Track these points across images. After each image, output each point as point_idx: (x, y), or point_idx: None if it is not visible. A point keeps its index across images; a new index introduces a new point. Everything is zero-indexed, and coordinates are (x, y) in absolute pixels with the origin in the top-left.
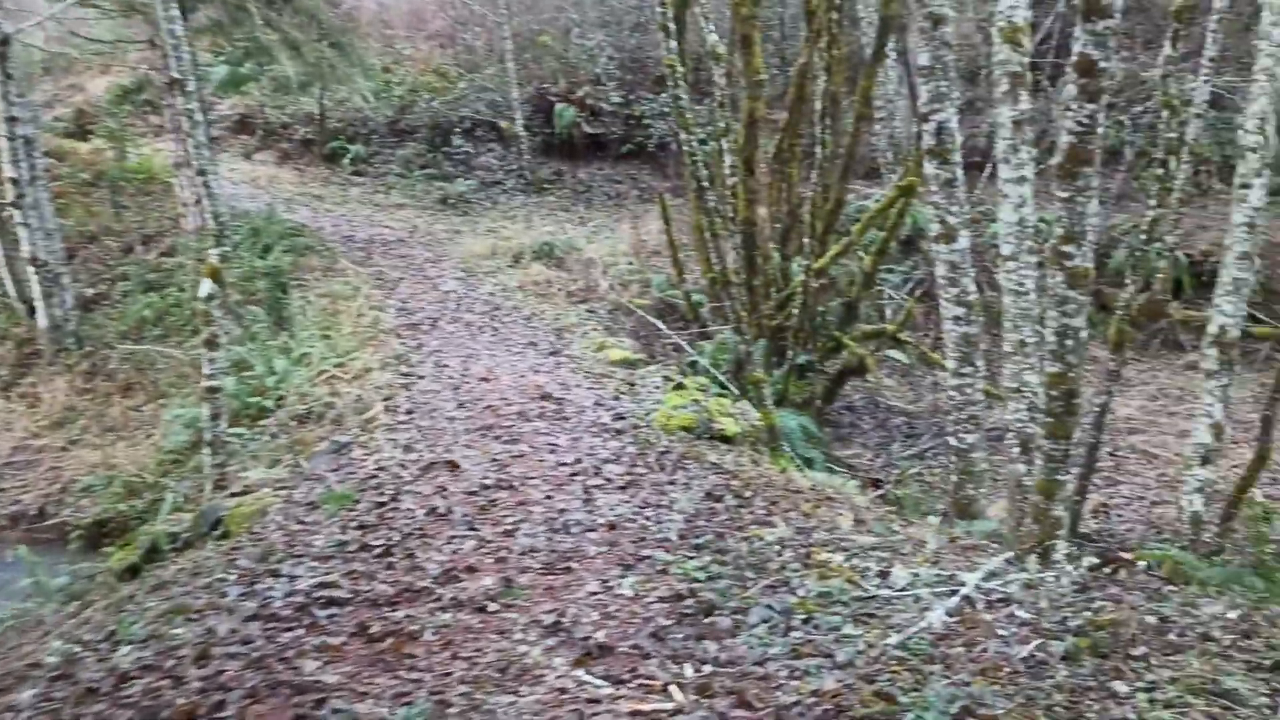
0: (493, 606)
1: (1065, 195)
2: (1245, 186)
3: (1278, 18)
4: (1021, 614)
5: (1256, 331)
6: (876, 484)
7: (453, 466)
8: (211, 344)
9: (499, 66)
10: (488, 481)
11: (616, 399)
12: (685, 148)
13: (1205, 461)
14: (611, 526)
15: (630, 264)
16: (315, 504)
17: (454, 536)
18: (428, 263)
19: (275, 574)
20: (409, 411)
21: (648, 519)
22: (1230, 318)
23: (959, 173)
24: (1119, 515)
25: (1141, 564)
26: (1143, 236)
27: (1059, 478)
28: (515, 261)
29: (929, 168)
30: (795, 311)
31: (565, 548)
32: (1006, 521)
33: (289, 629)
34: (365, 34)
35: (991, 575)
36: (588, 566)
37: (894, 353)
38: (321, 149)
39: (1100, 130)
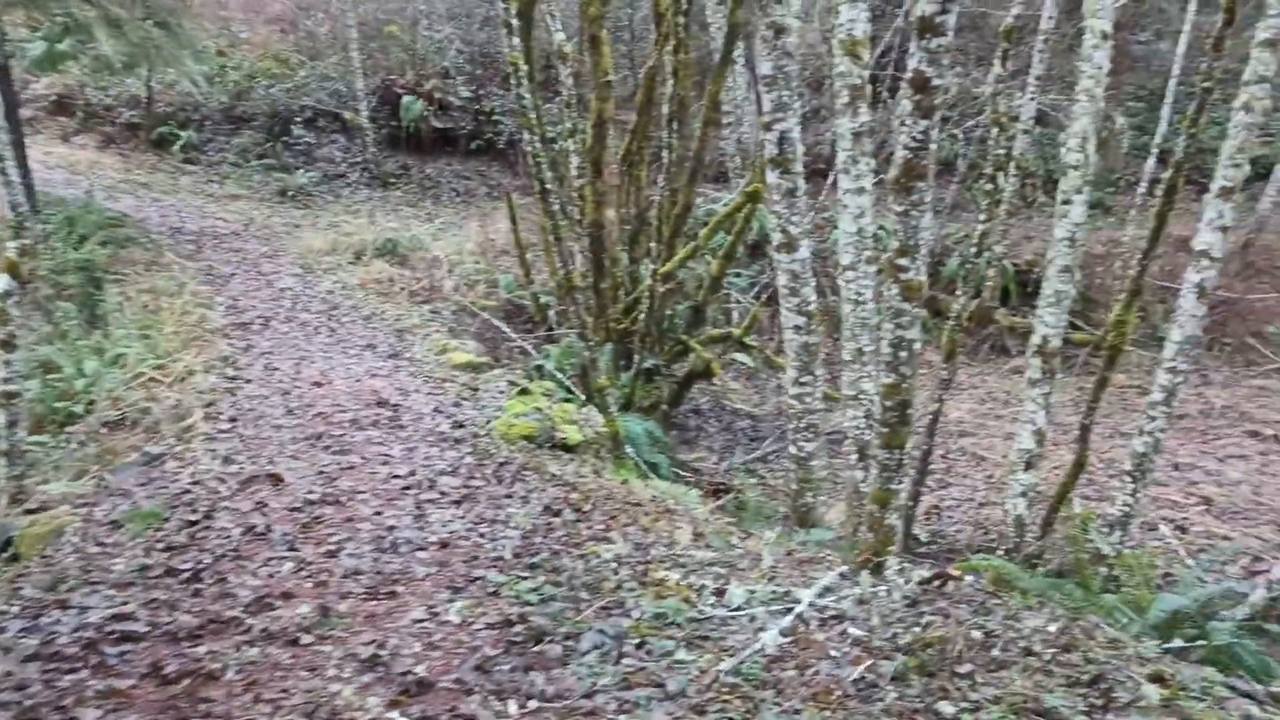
0: (306, 638)
1: (900, 209)
2: (1066, 203)
3: (1098, 40)
4: (854, 631)
5: (1075, 338)
6: (720, 489)
7: (276, 480)
8: (8, 345)
9: (343, 55)
10: (313, 496)
11: (457, 405)
12: (530, 148)
13: (1028, 466)
14: (443, 545)
15: (477, 263)
16: (118, 523)
17: (271, 558)
18: (263, 258)
19: (64, 605)
20: (232, 419)
21: (482, 536)
22: (1052, 328)
23: (800, 182)
24: (950, 517)
25: (969, 577)
26: (974, 247)
27: (893, 487)
28: (357, 258)
29: (771, 177)
30: (642, 315)
31: (392, 569)
32: (845, 526)
33: (72, 670)
34: (197, 15)
35: (826, 591)
36: (414, 590)
37: (740, 357)
38: (149, 134)
39: (934, 145)
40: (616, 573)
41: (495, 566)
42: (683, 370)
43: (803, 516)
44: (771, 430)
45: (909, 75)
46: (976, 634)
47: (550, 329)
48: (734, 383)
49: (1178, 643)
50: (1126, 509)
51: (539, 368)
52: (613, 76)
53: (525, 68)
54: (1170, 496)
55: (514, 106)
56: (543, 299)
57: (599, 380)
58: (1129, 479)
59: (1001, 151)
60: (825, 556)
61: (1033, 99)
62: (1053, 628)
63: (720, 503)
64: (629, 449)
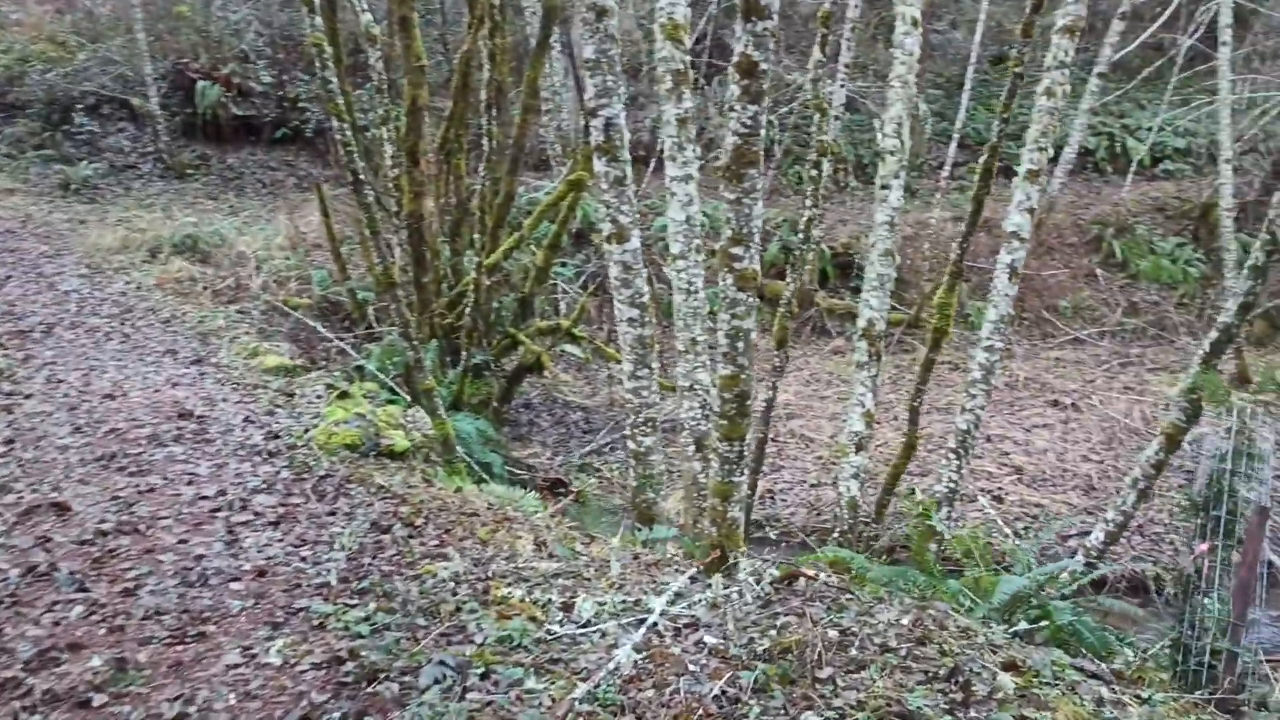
0: (99, 699)
1: (732, 197)
2: (885, 188)
3: (909, 28)
4: (710, 640)
5: (891, 319)
6: (557, 485)
7: (61, 509)
8: None
9: (127, 37)
10: (106, 526)
11: (271, 414)
12: (340, 136)
13: (859, 448)
14: (260, 573)
15: (288, 259)
16: None
17: (57, 602)
18: (44, 258)
19: None
20: (8, 441)
21: (304, 560)
22: (876, 311)
23: (629, 170)
24: (783, 500)
25: (822, 575)
26: (801, 233)
27: (734, 479)
28: (152, 256)
29: (598, 165)
30: (468, 309)
31: (201, 606)
32: (685, 518)
33: None
34: None
35: (677, 597)
36: (228, 629)
37: (570, 348)
38: None
39: (764, 130)
40: (455, 593)
41: (320, 594)
42: (512, 364)
43: (644, 513)
44: (605, 422)
45: (735, 60)
46: (833, 634)
47: (370, 327)
48: (565, 374)
49: (1022, 625)
50: (952, 485)
51: (359, 368)
52: (425, 61)
53: (330, 51)
54: (985, 468)
55: (321, 93)
56: (360, 295)
57: (425, 381)
58: (953, 456)
59: (825, 137)
60: (673, 558)
61: (843, 86)
62: (906, 620)
63: (561, 506)
64: (460, 451)
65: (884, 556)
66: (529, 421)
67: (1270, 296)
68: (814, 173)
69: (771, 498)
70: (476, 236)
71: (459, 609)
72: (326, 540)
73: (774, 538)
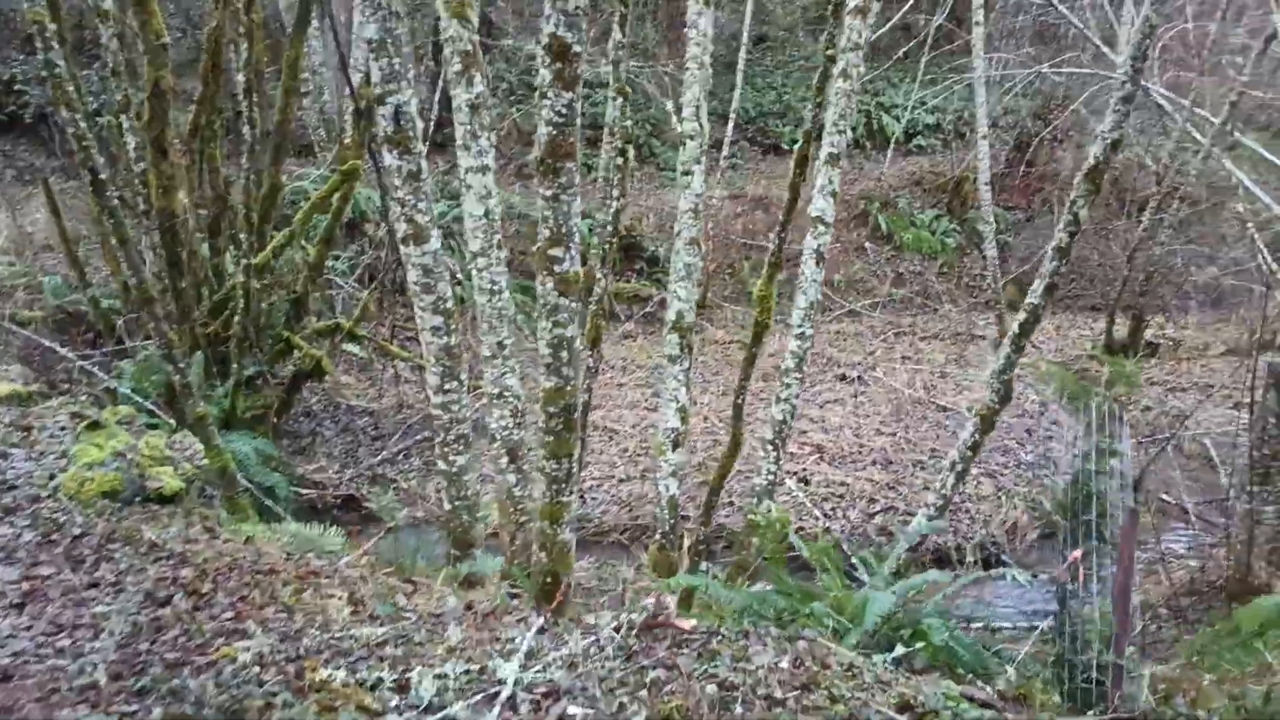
0: None
1: (548, 193)
2: (687, 173)
3: (701, 8)
4: (575, 710)
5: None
6: (350, 501)
7: None
8: None
9: None
10: None
11: (3, 457)
12: (70, 125)
13: (675, 445)
14: (4, 677)
15: (12, 265)
16: None
17: None
18: None
19: None
20: None
21: (62, 653)
22: (685, 302)
23: (423, 164)
24: (594, 498)
25: (688, 624)
26: (609, 225)
27: (564, 500)
28: None
29: (389, 158)
30: (235, 315)
31: None
32: (502, 533)
33: None
34: None
35: (529, 658)
36: None
37: (351, 348)
38: None
39: (580, 119)
40: (262, 682)
41: (86, 700)
42: (289, 371)
43: (460, 538)
44: (395, 426)
45: (545, 42)
46: (711, 688)
47: (120, 341)
48: (346, 378)
49: (900, 649)
50: (772, 477)
51: (111, 392)
52: (168, 39)
53: (53, 28)
54: (787, 449)
55: (44, 76)
56: (105, 304)
57: (196, 408)
58: (771, 448)
59: (628, 123)
60: (510, 603)
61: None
62: (785, 663)
63: (371, 543)
64: (240, 477)
65: (710, 558)
66: (311, 432)
67: (1019, 264)
68: (619, 161)
69: (580, 496)
70: (241, 234)
71: (269, 704)
72: (89, 623)
73: (587, 539)
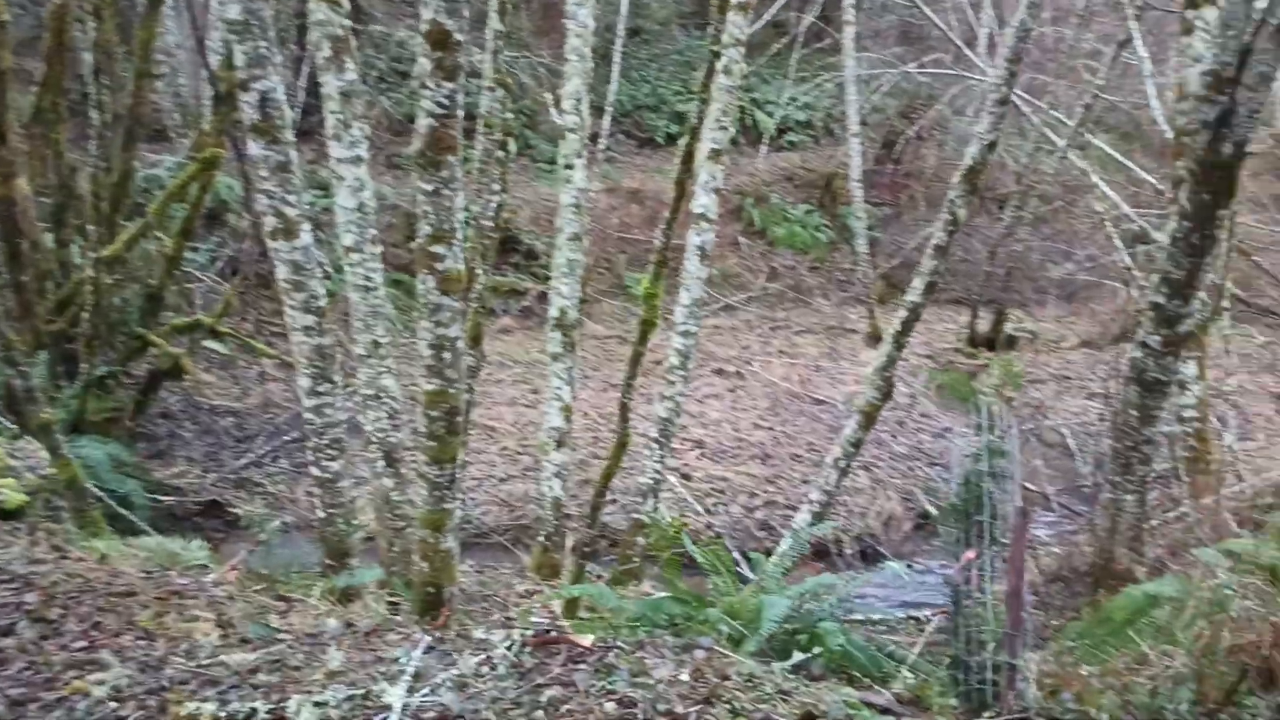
0: None
1: (429, 187)
2: (569, 167)
3: None
4: None
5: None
6: (215, 508)
7: None
8: None
9: None
10: None
11: None
12: None
13: (560, 444)
14: None
15: None
16: None
17: None
18: None
19: None
20: None
21: None
22: (568, 299)
23: (293, 153)
24: (473, 498)
25: (586, 640)
26: (490, 220)
27: (447, 506)
28: None
29: (255, 148)
30: (84, 311)
31: None
32: (380, 541)
33: None
34: None
35: (416, 679)
36: None
37: (213, 345)
38: None
39: (461, 111)
40: (120, 719)
41: None
42: (144, 371)
43: (335, 547)
44: (261, 426)
45: (425, 29)
46: (610, 706)
47: None
48: (208, 376)
49: (797, 655)
50: (657, 475)
51: None
52: (6, 16)
53: None
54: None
55: None
56: None
57: (39, 414)
58: (656, 445)
59: (509, 115)
60: (397, 620)
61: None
62: (685, 675)
63: (240, 558)
64: (91, 485)
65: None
66: (170, 434)
67: (888, 259)
68: (499, 154)
69: (460, 497)
70: (89, 224)
71: None
72: None
73: (467, 541)
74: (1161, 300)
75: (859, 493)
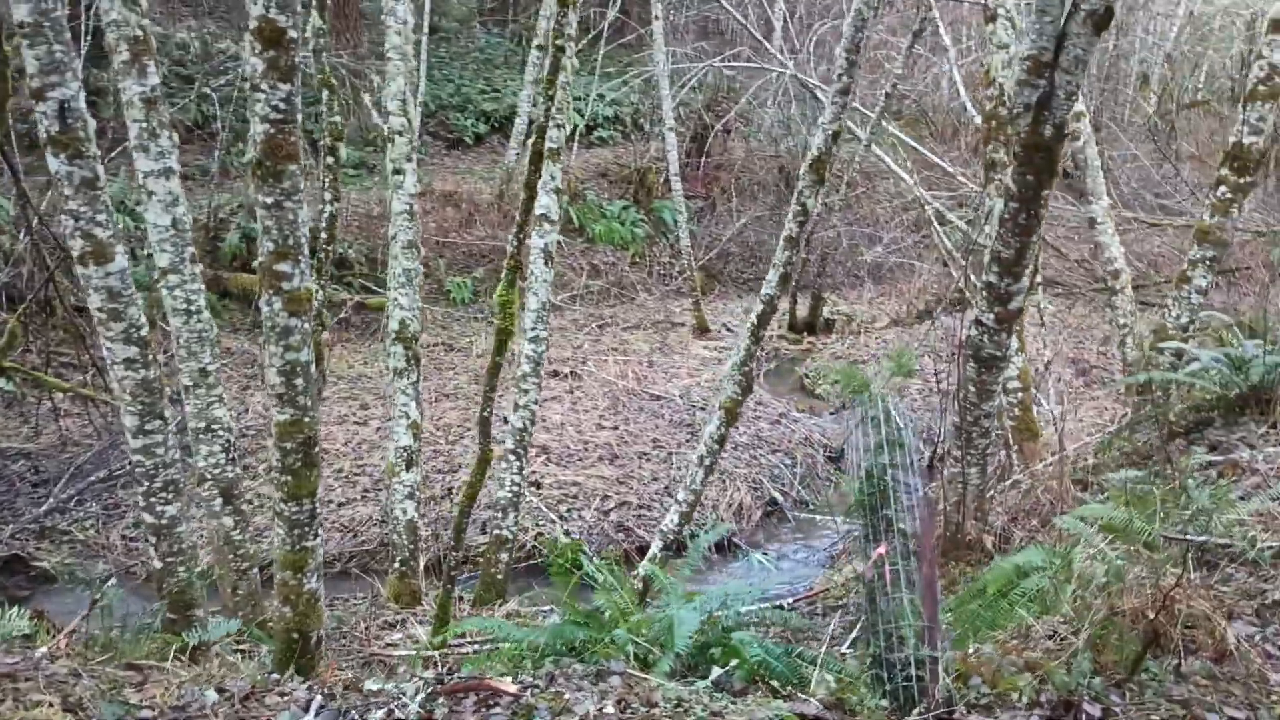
0: None
1: (269, 200)
2: (398, 172)
3: None
4: None
5: (370, 304)
6: (17, 561)
7: None
8: None
9: None
10: None
11: None
12: None
13: (410, 464)
14: None
15: None
16: None
17: None
18: None
19: None
20: None
21: None
22: (408, 310)
23: (99, 169)
24: None
25: (510, 686)
26: (325, 233)
27: (308, 544)
28: None
29: (56, 164)
30: None
31: None
32: (222, 586)
33: None
34: None
35: None
36: None
37: None
38: None
39: (300, 116)
40: None
41: None
42: None
43: (177, 599)
44: (60, 468)
45: (255, 25)
46: None
47: None
48: None
49: (716, 671)
50: (516, 488)
51: None
52: None
53: None
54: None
55: None
56: None
57: None
58: (513, 457)
59: (336, 119)
60: (272, 679)
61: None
62: (610, 708)
63: (74, 624)
64: None
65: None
66: None
67: (705, 251)
68: (330, 160)
69: None
70: None
71: None
72: None
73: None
74: (994, 279)
75: (708, 485)
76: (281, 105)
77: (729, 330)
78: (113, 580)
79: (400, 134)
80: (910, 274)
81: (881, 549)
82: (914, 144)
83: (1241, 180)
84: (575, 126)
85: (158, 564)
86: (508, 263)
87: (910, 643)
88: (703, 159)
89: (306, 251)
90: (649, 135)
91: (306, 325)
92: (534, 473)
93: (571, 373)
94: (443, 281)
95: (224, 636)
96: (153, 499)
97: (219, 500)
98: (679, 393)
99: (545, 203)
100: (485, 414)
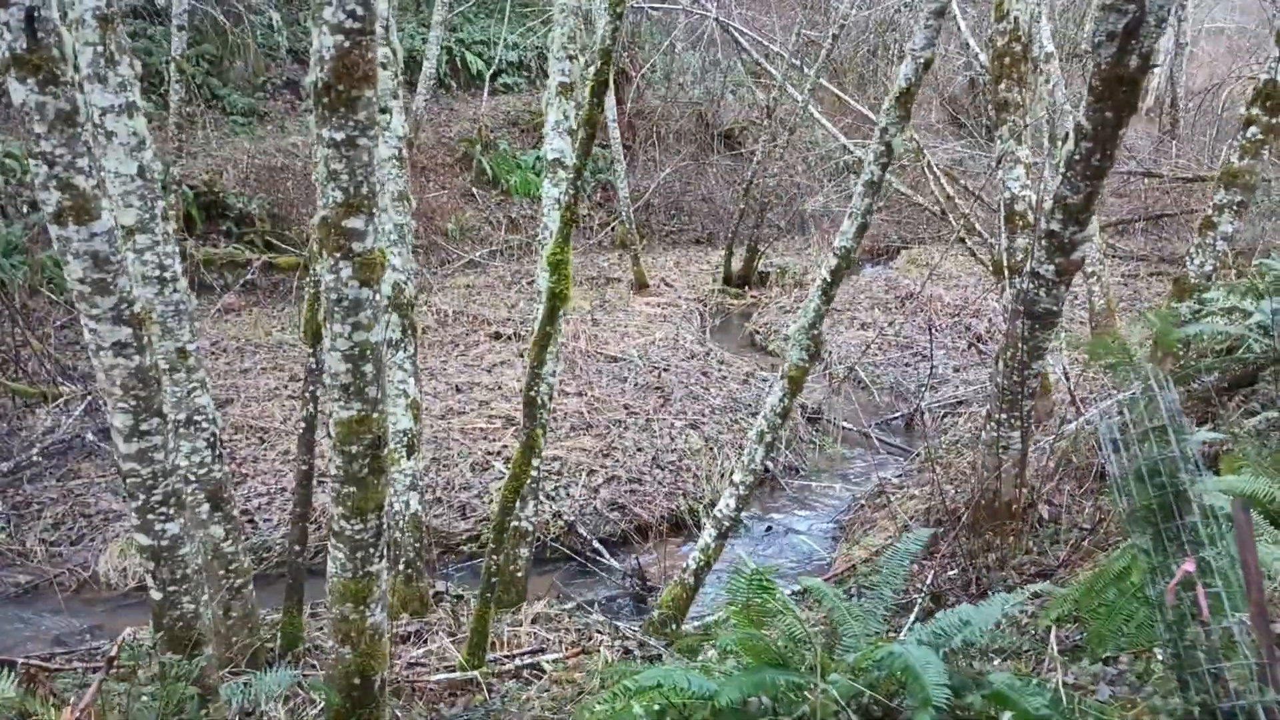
0: None
1: (338, 136)
2: (384, 110)
3: None
4: None
5: (280, 263)
6: None
7: None
8: None
9: None
10: None
11: None
12: None
13: (411, 450)
14: None
15: None
16: None
17: None
18: None
19: None
20: None
21: None
22: (401, 272)
23: (80, 100)
24: (266, 519)
25: None
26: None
27: (372, 569)
28: None
29: (22, 92)
30: None
31: None
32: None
33: None
34: None
35: None
36: None
37: None
38: None
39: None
40: None
41: None
42: None
43: (179, 635)
44: None
45: None
46: None
47: None
48: None
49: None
50: (534, 474)
51: None
52: None
53: None
54: (475, 424)
55: None
56: None
57: None
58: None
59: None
60: None
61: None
62: None
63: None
64: None
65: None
66: None
67: (642, 211)
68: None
69: (251, 521)
70: None
71: None
72: None
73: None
74: (1056, 227)
75: (696, 454)
76: (359, 11)
77: (668, 285)
78: (142, 639)
79: (384, 66)
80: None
81: (1189, 565)
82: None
83: (1273, 120)
84: (478, 72)
85: (157, 595)
86: (562, 215)
87: (1250, 686)
88: (623, 107)
89: (380, 206)
90: None
91: (379, 298)
92: (504, 447)
93: (513, 334)
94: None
95: (278, 692)
96: (150, 515)
97: (205, 506)
98: (637, 353)
99: (559, 146)
100: (531, 393)
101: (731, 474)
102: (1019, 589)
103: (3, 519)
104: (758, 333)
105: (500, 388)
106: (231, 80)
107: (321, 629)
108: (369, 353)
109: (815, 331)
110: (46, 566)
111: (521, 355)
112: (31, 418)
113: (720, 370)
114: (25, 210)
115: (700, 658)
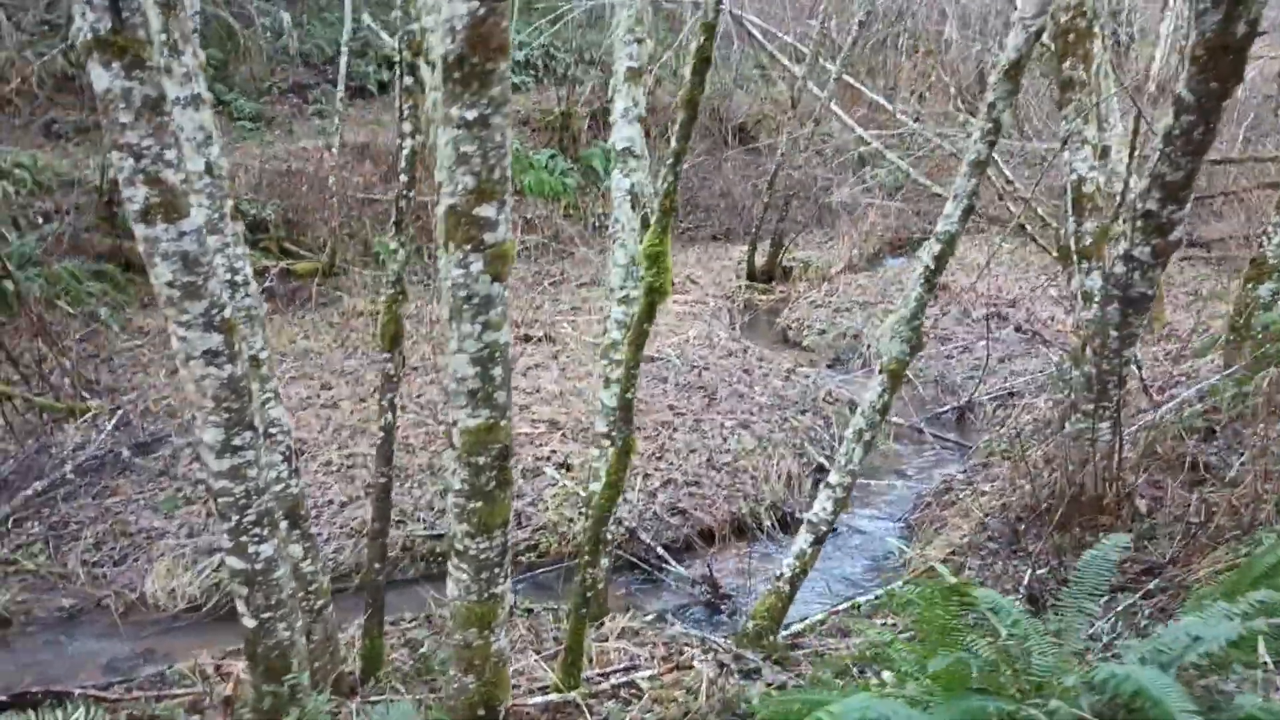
0: None
1: (470, 115)
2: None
3: None
4: None
5: (298, 269)
6: None
7: None
8: None
9: None
10: None
11: None
12: None
13: None
14: None
15: None
16: None
17: None
18: None
19: None
20: None
21: None
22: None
23: (167, 86)
24: (317, 532)
25: None
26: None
27: (497, 590)
28: None
29: (107, 78)
30: None
31: None
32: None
33: None
34: None
35: None
36: None
37: None
38: None
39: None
40: None
41: None
42: None
43: (274, 665)
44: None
45: None
46: None
47: None
48: None
49: None
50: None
51: None
52: None
53: None
54: (520, 430)
55: None
56: None
57: None
58: (607, 443)
59: (415, 27)
60: None
61: None
62: None
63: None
64: None
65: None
66: None
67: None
68: (410, 80)
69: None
70: None
71: None
72: None
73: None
74: (1154, 207)
75: (750, 454)
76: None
77: (693, 282)
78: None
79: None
80: (854, 217)
81: None
82: (857, 84)
83: None
84: None
85: (250, 622)
86: (661, 204)
87: None
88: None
89: (511, 193)
90: (563, 79)
91: (504, 293)
92: (553, 452)
93: (545, 336)
94: (369, 243)
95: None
96: (243, 537)
97: (284, 524)
98: (674, 353)
99: (629, 134)
100: (628, 396)
101: (827, 476)
102: (1127, 589)
103: (41, 540)
104: (790, 328)
105: (538, 390)
106: (238, 85)
107: (394, 653)
108: (498, 354)
109: (916, 323)
110: (90, 589)
111: (555, 357)
112: (60, 434)
113: (761, 367)
114: (40, 221)
115: (859, 679)
